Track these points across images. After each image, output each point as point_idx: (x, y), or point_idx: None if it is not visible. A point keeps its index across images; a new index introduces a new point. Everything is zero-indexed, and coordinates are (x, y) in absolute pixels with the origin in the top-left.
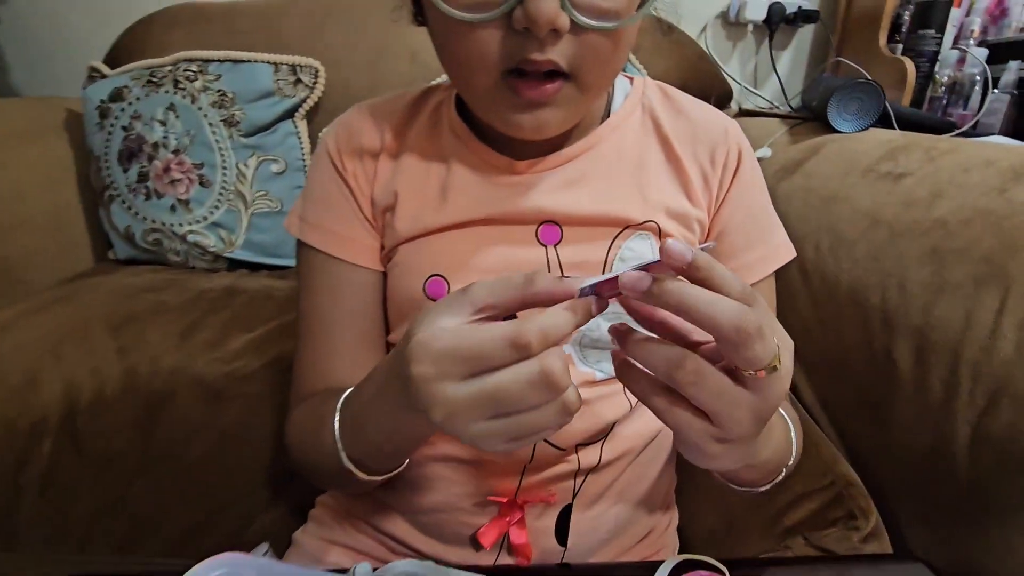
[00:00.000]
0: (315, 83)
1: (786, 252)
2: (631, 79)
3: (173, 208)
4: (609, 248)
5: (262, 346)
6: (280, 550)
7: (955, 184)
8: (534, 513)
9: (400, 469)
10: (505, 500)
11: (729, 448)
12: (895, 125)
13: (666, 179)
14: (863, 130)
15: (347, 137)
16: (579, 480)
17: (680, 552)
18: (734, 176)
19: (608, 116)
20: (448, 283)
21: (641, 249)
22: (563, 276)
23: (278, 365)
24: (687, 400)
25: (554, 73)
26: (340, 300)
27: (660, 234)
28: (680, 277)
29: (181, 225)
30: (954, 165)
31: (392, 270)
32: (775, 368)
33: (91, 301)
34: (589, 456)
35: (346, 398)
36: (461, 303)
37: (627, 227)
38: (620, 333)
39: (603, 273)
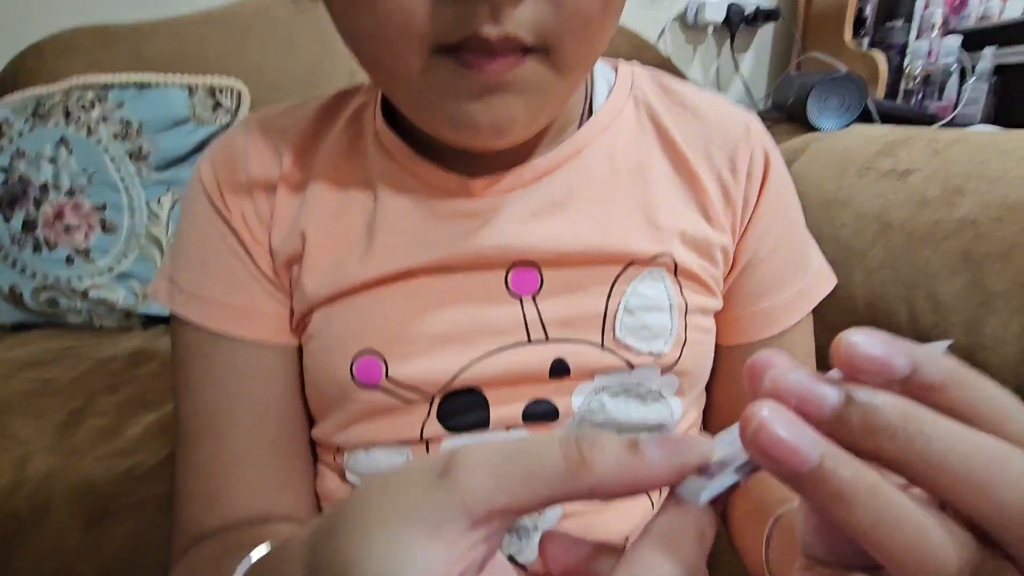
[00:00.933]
0: (238, 107)
1: (827, 280)
2: (614, 66)
3: (70, 260)
4: (608, 295)
5: (171, 428)
6: None
7: (975, 178)
8: None
9: None
10: None
11: None
12: (876, 120)
13: (677, 195)
14: (846, 127)
15: (229, 163)
16: None
17: None
18: (762, 187)
19: (591, 114)
20: (385, 362)
21: (654, 295)
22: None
23: None
24: None
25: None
26: (236, 395)
27: (676, 271)
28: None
29: (81, 279)
30: (966, 157)
31: (308, 344)
32: None
33: None
34: None
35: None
36: (445, 512)
37: (631, 263)
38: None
39: (602, 331)
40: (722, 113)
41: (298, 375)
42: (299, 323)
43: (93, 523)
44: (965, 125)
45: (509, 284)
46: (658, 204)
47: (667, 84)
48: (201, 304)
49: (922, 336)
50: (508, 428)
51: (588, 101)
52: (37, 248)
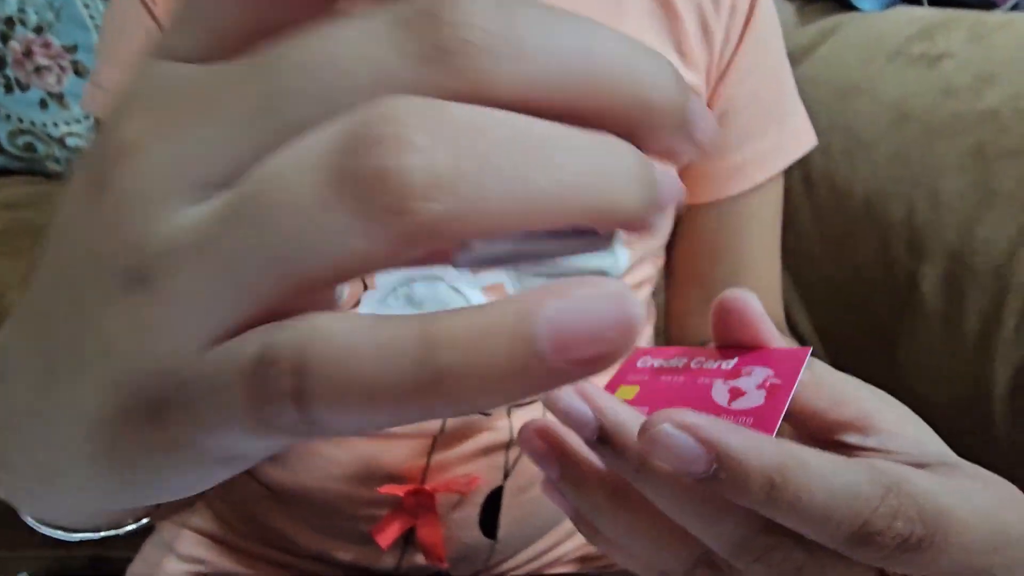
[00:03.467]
0: None
1: (806, 137)
2: None
3: (43, 104)
4: None
5: None
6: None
7: (1009, 66)
8: (449, 502)
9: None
10: (404, 492)
11: None
12: (925, 2)
13: (649, 25)
14: (889, 7)
15: None
16: (512, 454)
17: None
18: (746, 24)
19: None
20: None
21: None
22: None
23: None
24: None
25: None
26: None
27: None
28: None
29: (56, 125)
30: (1008, 43)
31: None
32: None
33: None
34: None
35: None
36: None
37: None
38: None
39: None
40: None
41: None
42: None
43: None
44: None
45: None
46: (626, 30)
47: None
48: None
49: (916, 234)
50: None
51: None
52: (9, 88)
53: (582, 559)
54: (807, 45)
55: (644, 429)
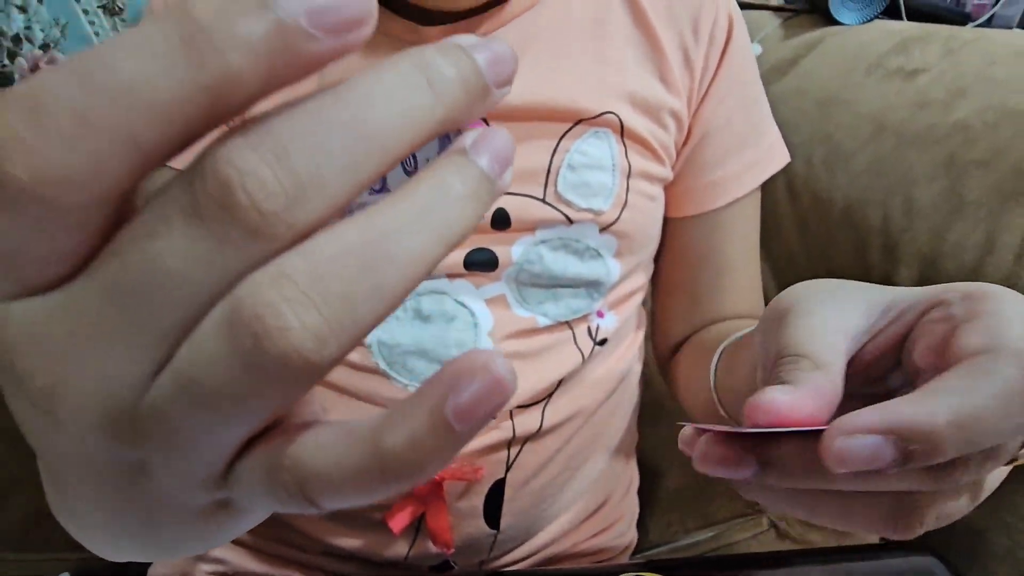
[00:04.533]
0: None
1: (780, 154)
2: None
3: None
4: (553, 152)
5: None
6: None
7: (980, 80)
8: (456, 491)
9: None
10: None
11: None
12: (904, 16)
13: (634, 54)
14: (868, 21)
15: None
16: (514, 450)
17: (640, 523)
18: (724, 52)
19: None
20: None
21: (597, 154)
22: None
23: None
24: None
25: None
26: None
27: (623, 132)
28: None
29: None
30: (979, 58)
31: None
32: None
33: None
34: (527, 421)
35: None
36: None
37: (579, 121)
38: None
39: (545, 185)
40: None
41: None
42: None
43: None
44: (1003, 29)
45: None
46: (611, 60)
47: None
48: None
49: (890, 240)
50: (451, 277)
51: None
52: None
53: (581, 554)
54: (792, 58)
55: (826, 448)
